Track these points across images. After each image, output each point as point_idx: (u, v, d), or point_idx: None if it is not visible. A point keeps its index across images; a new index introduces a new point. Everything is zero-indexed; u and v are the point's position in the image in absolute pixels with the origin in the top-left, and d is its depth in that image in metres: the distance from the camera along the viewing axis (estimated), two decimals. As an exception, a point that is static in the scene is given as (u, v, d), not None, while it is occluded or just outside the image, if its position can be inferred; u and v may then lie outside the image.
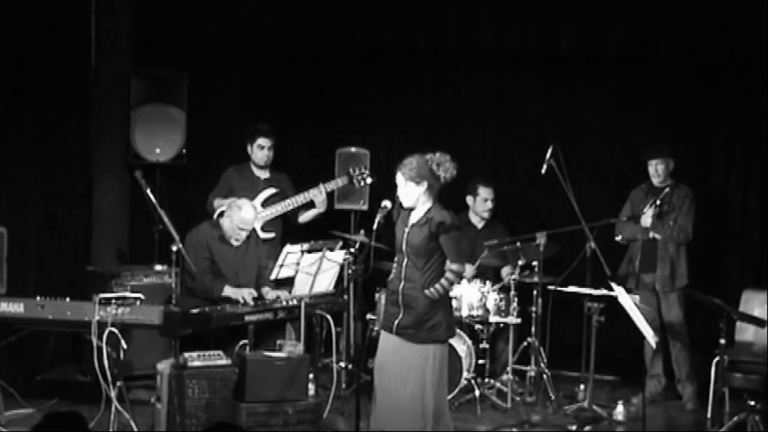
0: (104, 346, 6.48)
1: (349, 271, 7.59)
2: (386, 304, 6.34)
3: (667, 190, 7.93)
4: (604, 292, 7.28)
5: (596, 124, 9.16)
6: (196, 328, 6.79)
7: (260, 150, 8.10)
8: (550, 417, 7.67)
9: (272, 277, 7.26)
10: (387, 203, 6.51)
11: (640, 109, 9.05)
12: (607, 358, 8.01)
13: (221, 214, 7.54)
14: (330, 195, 8.32)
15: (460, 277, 6.21)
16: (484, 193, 8.43)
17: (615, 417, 7.57)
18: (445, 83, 9.39)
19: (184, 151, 8.60)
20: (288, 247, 7.08)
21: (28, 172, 8.12)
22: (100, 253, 8.53)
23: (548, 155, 7.62)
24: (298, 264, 7.07)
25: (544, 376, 7.98)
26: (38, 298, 6.63)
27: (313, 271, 7.09)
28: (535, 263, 7.97)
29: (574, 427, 7.36)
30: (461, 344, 7.67)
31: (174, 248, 6.76)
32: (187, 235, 7.35)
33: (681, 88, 8.93)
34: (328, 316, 7.39)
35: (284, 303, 7.28)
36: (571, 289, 7.51)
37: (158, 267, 8.15)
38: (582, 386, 7.92)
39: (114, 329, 6.51)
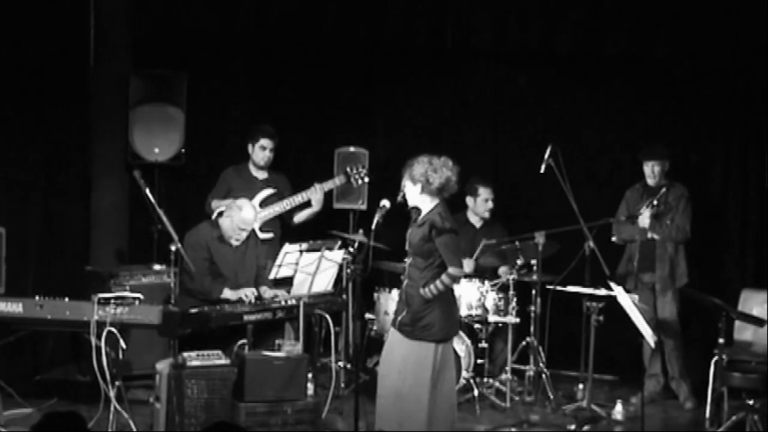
0: (103, 345, 6.48)
1: (348, 270, 7.59)
2: (398, 300, 6.52)
3: (663, 190, 7.93)
4: (603, 291, 7.28)
5: (595, 124, 9.16)
6: (194, 328, 6.79)
7: (262, 151, 8.09)
8: (549, 416, 7.67)
9: (271, 276, 7.26)
10: (386, 203, 6.57)
11: (640, 109, 9.04)
12: (606, 358, 8.01)
13: (220, 214, 7.54)
14: (329, 194, 8.33)
15: (455, 279, 6.22)
16: (485, 193, 8.43)
17: (614, 416, 7.58)
18: (445, 83, 9.39)
19: (183, 150, 8.60)
20: (287, 247, 7.08)
21: (27, 171, 8.13)
22: (99, 252, 8.54)
23: (547, 155, 7.62)
24: (296, 264, 7.07)
25: (543, 375, 7.98)
26: (37, 297, 6.64)
27: (311, 271, 7.09)
28: (533, 263, 7.97)
29: (572, 427, 7.36)
30: (460, 344, 7.67)
31: (173, 248, 6.76)
32: (186, 236, 7.35)
33: (680, 88, 8.93)
34: (327, 316, 7.38)
35: (283, 303, 7.28)
36: (570, 288, 7.52)
37: (157, 267, 8.15)
38: (581, 386, 7.92)
39: (113, 329, 6.52)
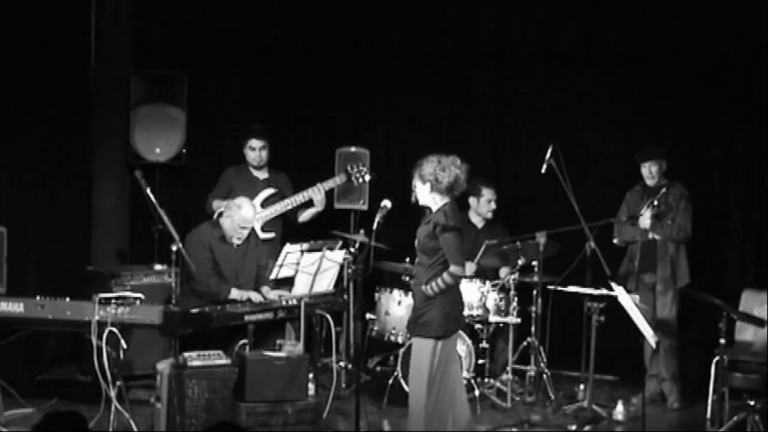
0: (104, 345, 6.48)
1: (349, 270, 7.59)
2: None
3: (663, 190, 7.92)
4: (604, 291, 7.29)
5: (596, 124, 9.16)
6: (195, 328, 6.80)
7: (252, 151, 8.10)
8: (550, 417, 7.67)
9: (272, 277, 7.26)
10: (387, 203, 6.59)
11: (640, 109, 9.04)
12: (607, 358, 8.01)
13: (221, 214, 7.54)
14: (330, 194, 8.33)
15: (456, 278, 6.24)
16: (488, 193, 8.43)
17: (615, 417, 7.58)
18: (445, 83, 9.39)
19: (183, 150, 8.60)
20: (288, 247, 7.08)
21: (28, 171, 8.13)
22: (100, 252, 8.54)
23: (548, 155, 7.62)
24: (297, 264, 7.07)
25: (544, 375, 7.98)
26: (38, 297, 6.63)
27: (312, 271, 7.09)
28: (534, 263, 7.97)
29: (573, 427, 7.36)
30: (461, 344, 7.66)
31: (174, 248, 6.77)
32: (187, 236, 7.35)
33: (680, 88, 8.93)
34: (328, 316, 7.39)
35: (284, 303, 7.28)
36: (571, 288, 7.52)
37: (158, 267, 8.14)
38: (582, 386, 7.92)
39: (114, 329, 6.51)
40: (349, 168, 8.31)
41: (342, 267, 7.47)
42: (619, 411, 7.58)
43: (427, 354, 6.21)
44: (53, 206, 8.36)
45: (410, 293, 7.94)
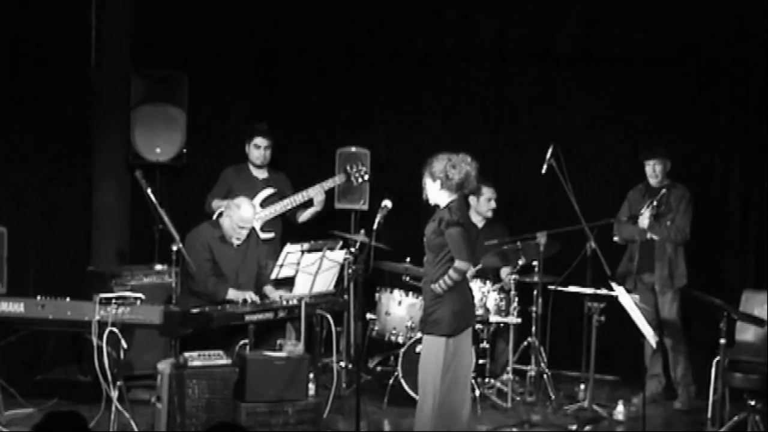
0: (104, 345, 6.48)
1: (350, 270, 7.59)
2: None
3: (663, 191, 7.92)
4: (604, 291, 7.29)
5: (596, 124, 9.16)
6: (196, 328, 6.79)
7: (256, 149, 8.11)
8: (551, 417, 7.67)
9: (272, 276, 7.26)
10: (387, 203, 6.59)
11: (640, 109, 9.04)
12: (608, 358, 8.02)
13: (221, 214, 7.54)
14: (330, 194, 8.33)
15: (462, 273, 6.24)
16: (488, 192, 8.43)
17: (615, 417, 7.58)
18: (445, 83, 9.38)
19: (184, 150, 8.60)
20: (288, 247, 7.08)
21: (28, 171, 8.13)
22: (101, 252, 8.54)
23: (548, 155, 7.62)
24: (298, 264, 7.06)
25: (545, 375, 7.98)
26: (38, 297, 6.63)
27: (313, 271, 7.09)
28: (535, 263, 7.97)
29: (574, 427, 7.37)
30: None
31: (174, 248, 6.76)
32: (187, 236, 7.34)
33: (680, 87, 8.93)
34: (329, 316, 7.38)
35: (284, 303, 7.28)
36: (572, 288, 7.52)
37: (158, 267, 8.14)
38: (582, 386, 7.93)
39: (114, 329, 6.51)
40: (348, 168, 8.32)
41: (342, 267, 7.46)
42: (620, 411, 7.58)
43: (437, 352, 6.22)
44: (53, 206, 8.35)
45: (410, 293, 7.99)
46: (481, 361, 7.89)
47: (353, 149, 8.77)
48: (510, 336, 7.98)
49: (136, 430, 6.63)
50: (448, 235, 6.20)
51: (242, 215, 7.36)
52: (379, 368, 8.46)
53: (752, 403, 7.01)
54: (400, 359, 7.64)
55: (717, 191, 8.88)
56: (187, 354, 6.62)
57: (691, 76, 8.86)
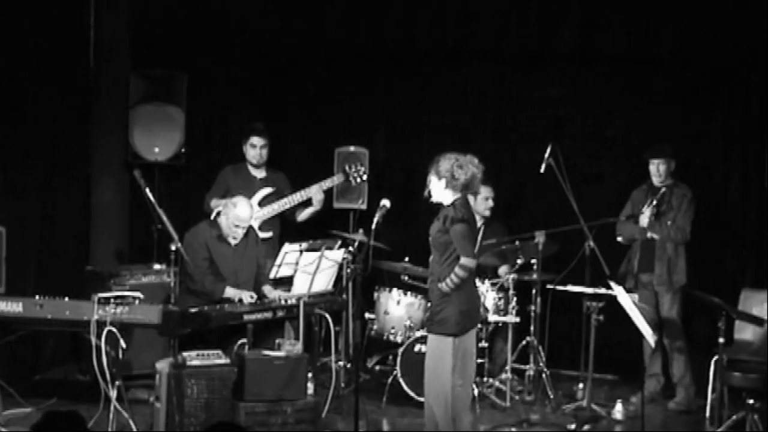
0: (103, 345, 6.48)
1: (348, 270, 7.60)
2: None
3: (664, 190, 7.91)
4: (603, 291, 7.28)
5: (595, 124, 9.16)
6: (194, 328, 6.79)
7: (253, 149, 8.12)
8: (549, 416, 7.66)
9: (271, 276, 7.26)
10: (386, 202, 6.59)
11: (640, 109, 9.04)
12: (606, 357, 8.00)
13: (219, 213, 7.54)
14: (329, 193, 8.33)
15: (468, 270, 6.23)
16: (485, 191, 8.42)
17: (614, 416, 7.57)
18: (445, 83, 9.39)
19: (183, 150, 8.61)
20: (287, 246, 7.08)
21: (27, 171, 8.13)
22: (99, 252, 8.55)
23: (547, 154, 7.62)
24: (296, 263, 7.07)
25: (543, 375, 7.98)
26: (37, 297, 6.64)
27: (311, 270, 7.09)
28: (534, 262, 7.97)
29: (573, 426, 7.36)
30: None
31: (173, 247, 6.76)
32: (185, 236, 7.35)
33: (681, 87, 8.93)
34: (327, 315, 7.38)
35: (283, 302, 7.28)
36: (570, 288, 7.52)
37: (157, 266, 8.14)
38: (581, 385, 7.92)
39: (113, 328, 6.51)
40: (346, 167, 8.32)
41: (341, 266, 7.47)
42: (619, 410, 7.58)
43: (448, 352, 6.21)
44: (52, 206, 8.35)
45: (409, 292, 7.99)
46: (479, 361, 7.88)
47: (352, 149, 8.77)
48: (509, 335, 7.97)
49: (134, 429, 6.63)
50: (452, 231, 6.19)
51: (238, 214, 7.36)
52: (377, 367, 8.46)
53: (751, 402, 7.01)
54: (398, 358, 7.64)
55: (717, 191, 8.87)
56: (185, 353, 6.62)
57: (691, 76, 8.85)
